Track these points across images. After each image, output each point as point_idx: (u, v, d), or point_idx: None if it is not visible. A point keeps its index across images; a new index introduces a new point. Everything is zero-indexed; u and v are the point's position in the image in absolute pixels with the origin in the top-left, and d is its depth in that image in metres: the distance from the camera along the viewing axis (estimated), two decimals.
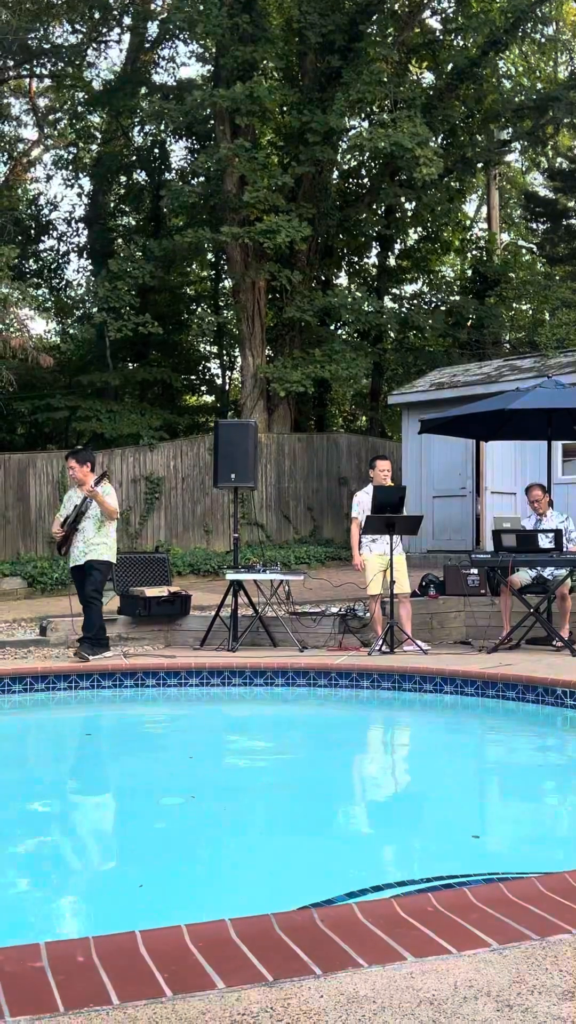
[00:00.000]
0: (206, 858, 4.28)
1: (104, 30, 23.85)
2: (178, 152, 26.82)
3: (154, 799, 5.30)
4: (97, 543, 8.72)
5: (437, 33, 23.19)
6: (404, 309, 23.93)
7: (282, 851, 4.38)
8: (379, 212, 23.63)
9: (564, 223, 25.89)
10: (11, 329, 15.41)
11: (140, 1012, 2.16)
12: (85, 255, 26.10)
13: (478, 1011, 2.20)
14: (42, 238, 26.07)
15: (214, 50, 19.52)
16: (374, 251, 26.14)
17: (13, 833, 4.78)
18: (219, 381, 28.55)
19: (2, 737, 7.28)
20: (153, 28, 23.88)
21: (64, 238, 26.34)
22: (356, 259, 26.57)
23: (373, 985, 2.32)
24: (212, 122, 19.87)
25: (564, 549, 8.86)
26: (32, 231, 25.53)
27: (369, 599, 9.36)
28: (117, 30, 24.11)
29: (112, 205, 26.59)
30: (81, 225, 26.03)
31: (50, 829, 5.02)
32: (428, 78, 24.23)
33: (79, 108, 25.17)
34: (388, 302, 24.80)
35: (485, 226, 28.54)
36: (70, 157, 26.12)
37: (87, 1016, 2.14)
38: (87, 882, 4.12)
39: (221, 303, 26.30)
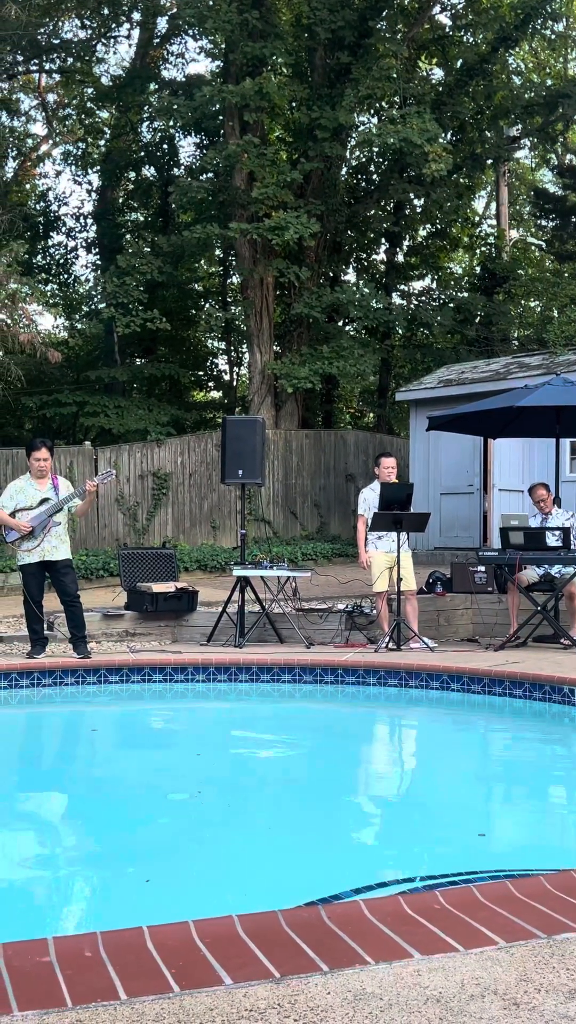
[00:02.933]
0: (213, 854, 4.29)
1: (113, 25, 23.82)
2: (187, 148, 26.82)
3: (161, 795, 5.31)
4: (66, 540, 8.46)
5: (447, 29, 23.12)
6: (412, 306, 23.87)
7: (288, 847, 4.39)
8: (388, 208, 23.58)
9: (573, 220, 25.78)
10: (19, 324, 15.43)
11: (147, 1007, 2.17)
12: (93, 251, 26.11)
13: (485, 1009, 2.20)
14: (51, 234, 26.08)
15: (223, 46, 19.48)
16: (382, 247, 26.09)
17: (20, 828, 4.80)
18: (227, 377, 28.55)
19: (9, 732, 7.30)
20: (162, 23, 23.87)
21: (72, 234, 26.35)
22: (364, 255, 26.52)
23: (380, 982, 2.32)
24: (221, 118, 19.85)
25: (572, 547, 8.85)
26: (41, 227, 25.53)
27: (375, 596, 9.36)
28: (126, 25, 24.10)
29: (121, 201, 26.57)
30: (89, 221, 26.03)
31: (57, 824, 5.03)
32: (437, 74, 24.18)
33: (88, 104, 25.16)
34: (396, 299, 24.76)
35: (494, 223, 28.46)
36: (79, 153, 26.12)
37: (94, 1011, 2.15)
38: (94, 877, 4.13)
39: (229, 299, 26.28)
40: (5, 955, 2.40)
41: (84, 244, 26.38)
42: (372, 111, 21.72)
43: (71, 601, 8.39)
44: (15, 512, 8.31)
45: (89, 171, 26.43)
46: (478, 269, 26.99)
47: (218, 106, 18.78)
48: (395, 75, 18.42)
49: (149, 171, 25.89)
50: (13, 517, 8.29)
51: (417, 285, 27.25)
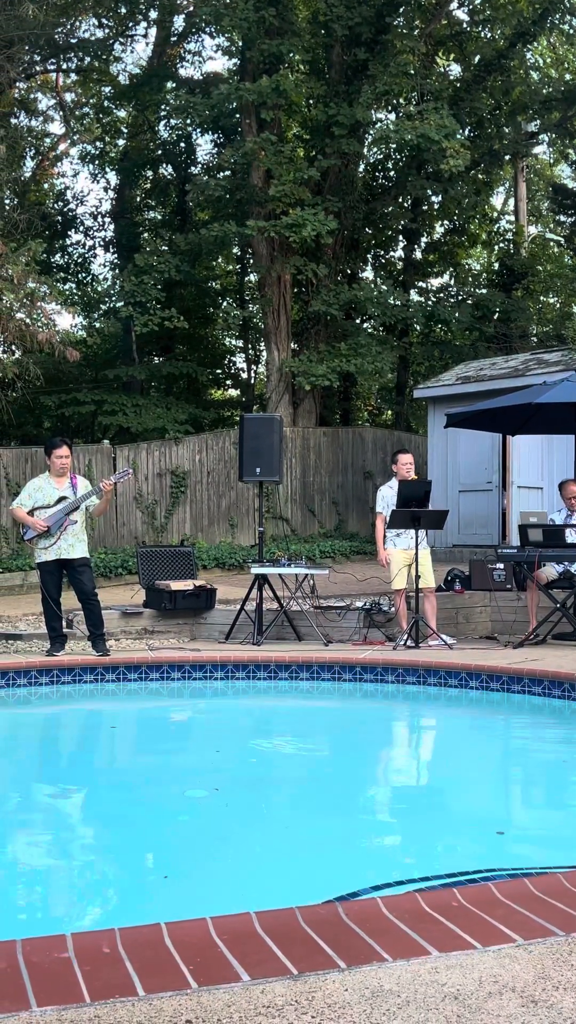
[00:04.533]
0: (231, 851, 4.29)
1: (130, 24, 23.86)
2: (204, 146, 26.90)
3: (179, 792, 5.32)
4: (83, 538, 8.48)
5: (464, 25, 23.03)
6: (430, 302, 23.80)
7: (307, 844, 4.39)
8: (405, 205, 23.52)
9: None
10: (38, 324, 15.48)
11: (165, 1004, 2.18)
12: (111, 249, 26.16)
13: (503, 1006, 2.19)
14: (68, 233, 26.14)
15: (240, 43, 19.48)
16: (400, 244, 26.04)
17: (40, 825, 4.82)
18: (244, 375, 28.57)
19: (28, 729, 7.34)
20: (179, 22, 23.88)
21: (90, 233, 26.41)
22: (382, 252, 26.48)
23: (398, 979, 2.32)
24: (238, 116, 19.85)
25: None
26: (59, 226, 25.61)
27: (394, 593, 9.34)
28: (143, 24, 24.13)
29: (138, 199, 26.63)
30: (107, 220, 26.10)
31: (76, 821, 5.05)
32: (455, 70, 24.09)
33: (105, 103, 25.20)
34: (414, 295, 24.70)
35: (512, 219, 28.35)
36: (96, 152, 26.17)
37: (112, 1007, 2.16)
38: (112, 873, 4.14)
39: (247, 297, 26.29)
40: (24, 951, 2.41)
41: (102, 243, 26.44)
42: (389, 107, 21.68)
43: (88, 599, 8.41)
44: (33, 510, 8.34)
45: (106, 170, 26.49)
46: (496, 265, 26.89)
47: (235, 104, 18.77)
48: (412, 71, 18.37)
49: (166, 170, 25.92)
50: (31, 515, 8.32)
51: (435, 282, 27.19)
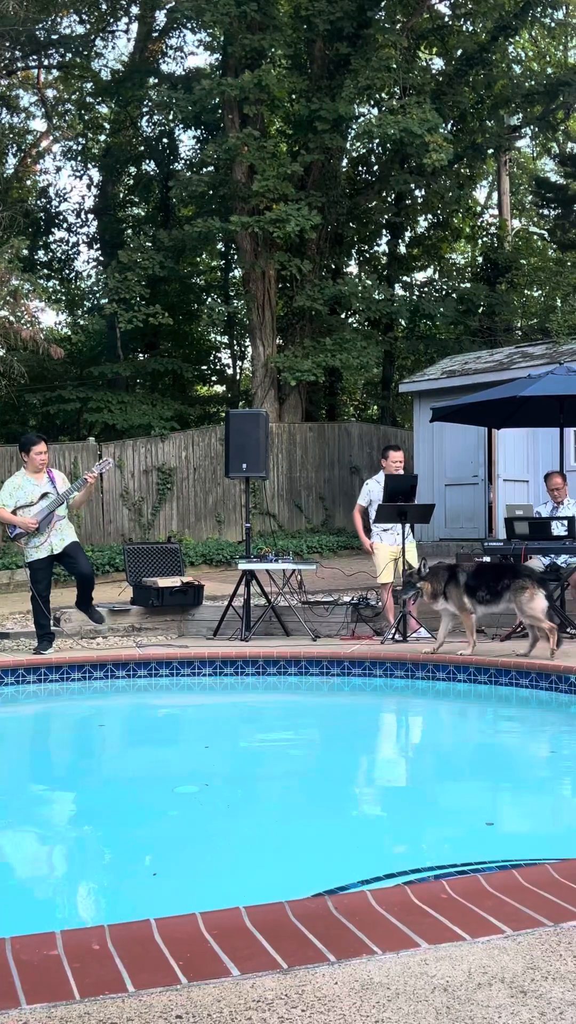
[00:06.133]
0: (220, 846, 4.29)
1: (111, 20, 23.78)
2: (187, 142, 26.80)
3: (168, 788, 5.32)
4: (70, 526, 8.54)
5: (446, 18, 23.03)
6: (415, 297, 23.84)
7: (296, 839, 4.39)
8: (389, 200, 23.53)
9: (575, 208, 25.72)
10: (22, 321, 15.43)
11: (155, 999, 2.17)
12: (95, 246, 26.09)
13: (492, 997, 2.20)
14: (52, 230, 26.07)
15: (222, 39, 19.45)
16: (384, 239, 26.06)
17: (28, 823, 4.81)
18: (230, 371, 28.54)
19: (17, 728, 7.32)
20: (161, 17, 23.81)
21: (74, 229, 26.35)
22: (366, 247, 26.49)
23: (387, 972, 2.32)
24: (221, 111, 19.82)
25: None
26: (42, 223, 25.52)
27: (381, 588, 9.35)
28: (125, 20, 24.06)
29: (121, 196, 26.55)
30: (90, 216, 26.03)
31: (65, 819, 5.04)
32: (437, 64, 24.11)
33: (87, 99, 25.12)
34: (399, 290, 24.72)
35: (496, 212, 28.40)
36: (79, 148, 26.09)
37: (102, 1003, 2.16)
38: (102, 871, 4.14)
39: (231, 293, 26.26)
40: (13, 948, 2.41)
41: (85, 240, 26.39)
42: (372, 102, 21.68)
43: (88, 580, 8.52)
44: (16, 510, 8.32)
45: (89, 166, 26.41)
46: (480, 259, 26.93)
47: (217, 99, 18.76)
48: (394, 65, 18.37)
49: (149, 166, 25.86)
50: (15, 515, 8.30)
51: (419, 276, 27.23)
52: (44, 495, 8.35)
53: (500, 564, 8.58)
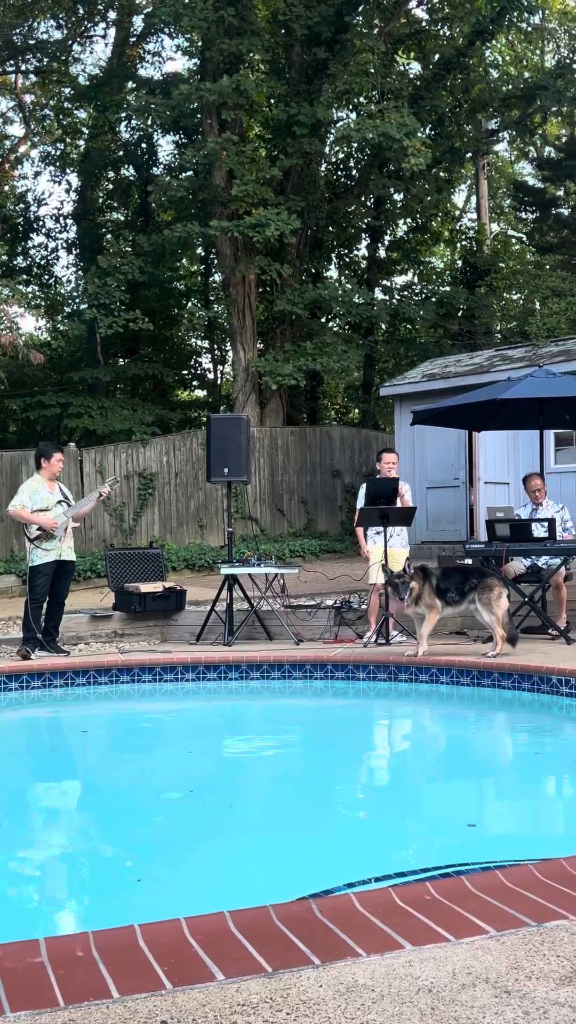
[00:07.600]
0: (205, 851, 4.29)
1: (89, 25, 23.76)
2: (166, 147, 26.85)
3: (153, 794, 5.31)
4: (72, 541, 8.83)
5: (423, 23, 23.14)
6: (395, 301, 23.88)
7: (280, 843, 4.39)
8: (368, 204, 23.59)
9: (553, 212, 25.86)
10: (1, 327, 15.38)
11: (140, 1005, 2.17)
12: (74, 251, 26.03)
13: (476, 997, 2.21)
14: (31, 235, 25.99)
15: (200, 43, 19.44)
16: (364, 243, 26.11)
17: (12, 830, 4.79)
18: (211, 375, 28.52)
19: (0, 735, 7.29)
20: (138, 22, 23.81)
21: (52, 235, 26.29)
22: (346, 251, 26.53)
23: (372, 974, 2.33)
24: (199, 116, 19.81)
25: (558, 538, 8.88)
26: (20, 228, 25.44)
27: (371, 588, 9.35)
28: (102, 25, 24.05)
29: (100, 201, 26.51)
30: (69, 221, 25.97)
31: (49, 825, 5.02)
32: (415, 68, 24.19)
33: (65, 104, 25.07)
34: (379, 294, 24.77)
35: (474, 216, 28.51)
36: (57, 153, 26.04)
37: (87, 1010, 2.15)
38: (86, 877, 4.12)
39: (212, 297, 26.25)
40: None
41: (64, 245, 26.32)
42: (350, 106, 21.73)
43: (62, 601, 8.75)
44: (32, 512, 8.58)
45: (68, 171, 26.37)
46: (459, 263, 27.03)
47: (196, 104, 18.74)
48: (372, 70, 18.42)
49: (128, 171, 25.83)
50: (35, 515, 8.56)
51: (399, 280, 27.29)
52: (59, 503, 8.62)
53: (466, 566, 8.75)
